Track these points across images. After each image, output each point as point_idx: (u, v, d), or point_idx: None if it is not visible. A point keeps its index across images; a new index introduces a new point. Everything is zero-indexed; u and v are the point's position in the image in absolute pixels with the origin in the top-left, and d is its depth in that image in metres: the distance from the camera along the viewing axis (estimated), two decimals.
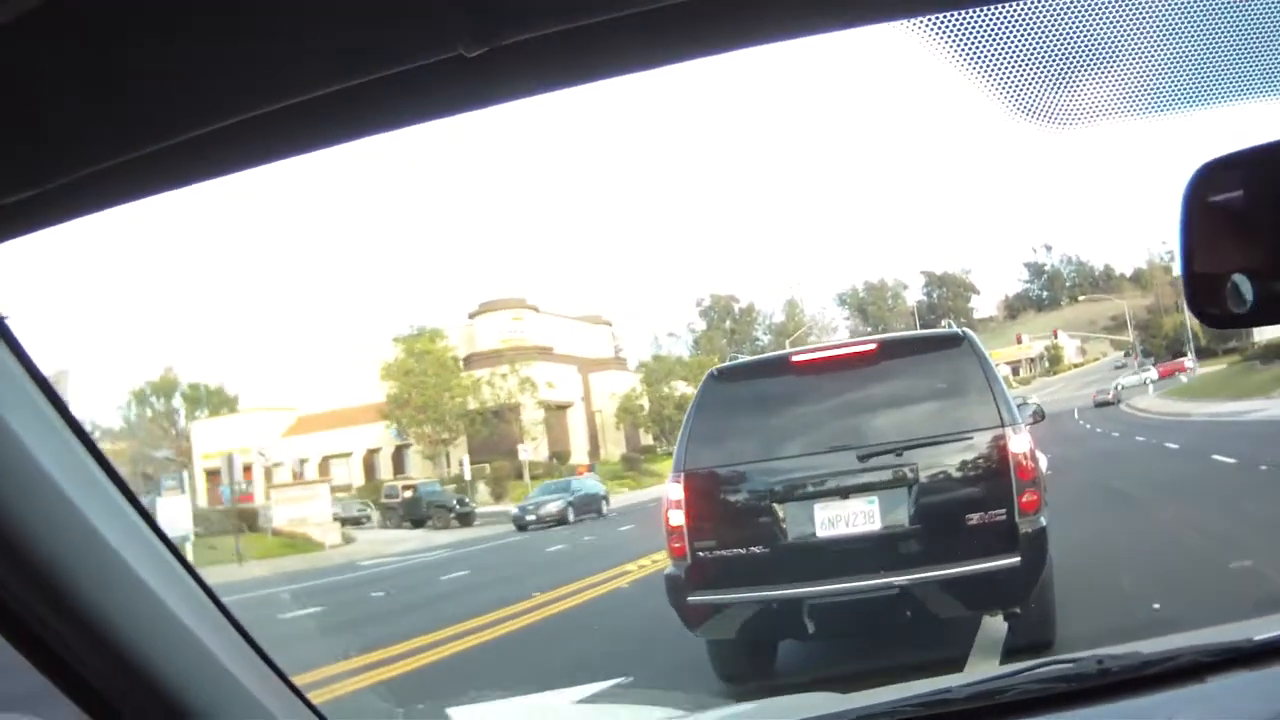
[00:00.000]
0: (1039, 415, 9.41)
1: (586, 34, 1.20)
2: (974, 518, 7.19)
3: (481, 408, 62.27)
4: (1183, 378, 69.29)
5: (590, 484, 47.02)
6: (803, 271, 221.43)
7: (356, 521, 49.60)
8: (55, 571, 1.42)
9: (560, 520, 40.07)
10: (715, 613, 7.59)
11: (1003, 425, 7.31)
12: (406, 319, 63.52)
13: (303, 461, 68.72)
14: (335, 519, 45.14)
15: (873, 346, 8.16)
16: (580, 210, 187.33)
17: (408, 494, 51.32)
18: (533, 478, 58.34)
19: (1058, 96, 1.44)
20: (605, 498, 44.75)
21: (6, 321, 1.43)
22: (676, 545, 7.75)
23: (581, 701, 7.37)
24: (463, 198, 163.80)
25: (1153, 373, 75.55)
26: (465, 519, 48.44)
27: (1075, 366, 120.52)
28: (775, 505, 7.53)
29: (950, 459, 7.42)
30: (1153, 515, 15.28)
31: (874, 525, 7.33)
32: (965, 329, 8.34)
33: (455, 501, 49.92)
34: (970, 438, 7.39)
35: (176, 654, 1.57)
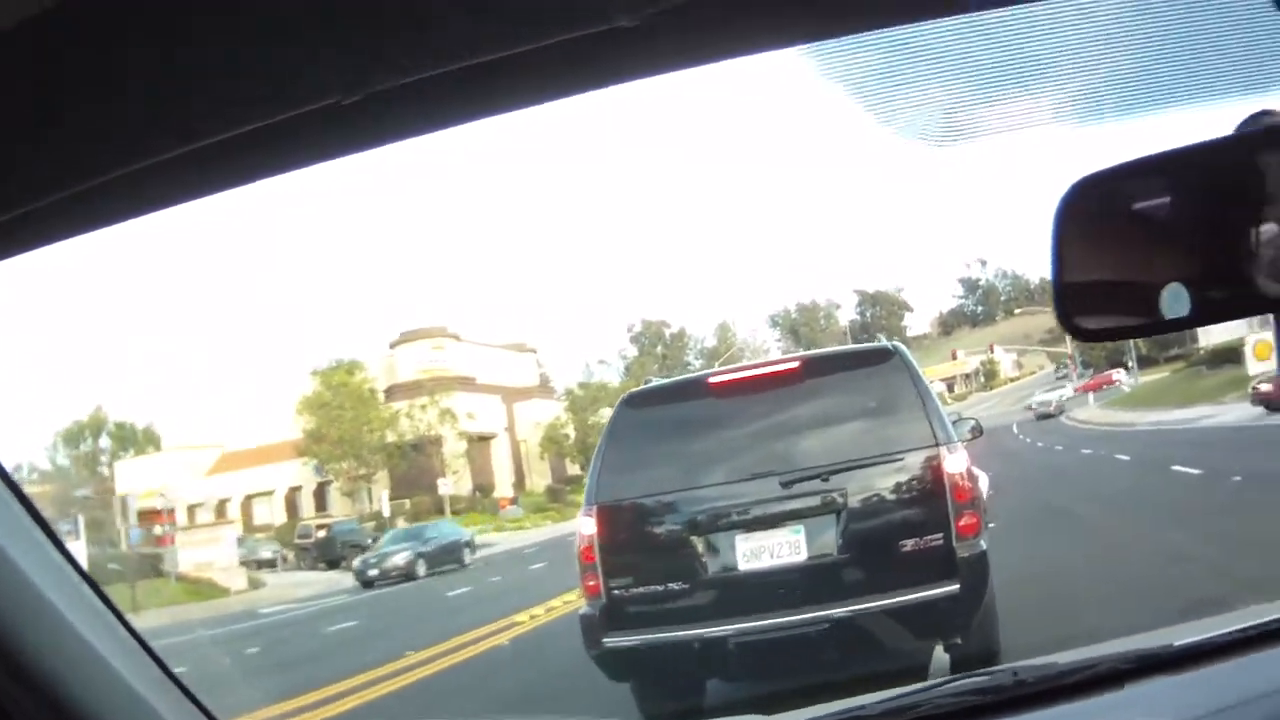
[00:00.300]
0: (977, 431, 9.03)
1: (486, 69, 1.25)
2: (908, 544, 6.86)
3: (400, 441, 61.34)
4: (1123, 387, 69.75)
5: (449, 530, 44.58)
6: (734, 294, 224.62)
7: (271, 564, 48.52)
8: None
9: (408, 575, 36.30)
10: (633, 655, 7.16)
11: (937, 444, 6.97)
12: (331, 352, 62.46)
13: (224, 501, 67.90)
14: (242, 563, 44.09)
15: (796, 364, 7.81)
16: (507, 237, 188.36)
17: (321, 534, 49.94)
18: (454, 512, 57.51)
19: (949, 115, 1.51)
20: (469, 544, 41.89)
21: None
22: (590, 583, 7.36)
23: None
24: (388, 226, 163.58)
25: (1067, 389, 75.78)
26: None
27: (1011, 381, 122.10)
28: (694, 538, 7.17)
29: (881, 482, 7.07)
30: (1112, 539, 13.95)
31: (800, 555, 6.97)
32: (895, 343, 7.96)
33: (370, 540, 48.11)
34: (902, 458, 7.04)
35: (87, 676, 1.58)
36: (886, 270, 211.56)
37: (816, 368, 7.77)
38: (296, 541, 50.92)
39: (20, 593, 1.51)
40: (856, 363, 7.98)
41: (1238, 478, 17.46)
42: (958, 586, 6.69)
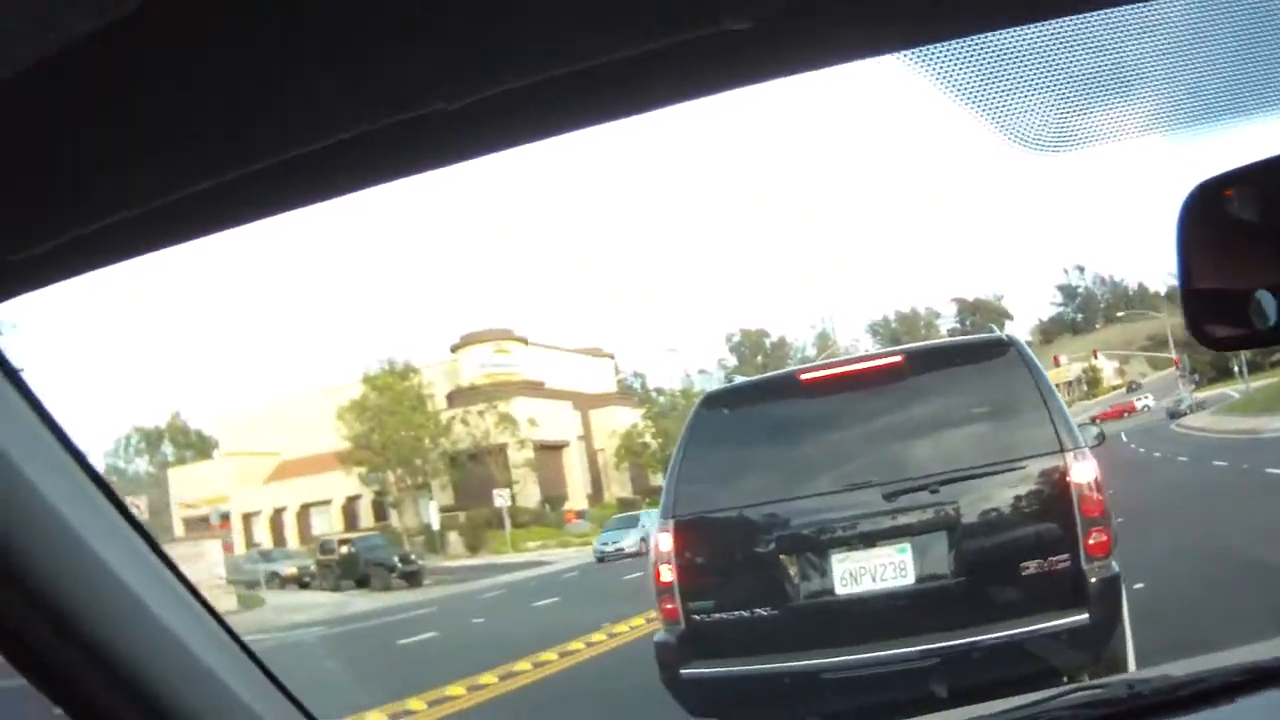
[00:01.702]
0: (1100, 437, 8.42)
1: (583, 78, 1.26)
2: (1030, 566, 6.29)
3: (451, 448, 60.99)
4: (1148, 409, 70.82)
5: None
6: (833, 303, 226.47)
7: (299, 581, 48.10)
8: (80, 616, 1.50)
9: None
10: (715, 688, 6.70)
11: (1062, 450, 6.39)
12: (391, 357, 62.16)
13: (279, 510, 68.59)
14: (253, 580, 44.03)
15: (899, 358, 7.15)
16: (606, 246, 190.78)
17: (344, 550, 48.79)
18: (516, 525, 57.27)
19: (1060, 120, 1.49)
20: (409, 561, 42.02)
21: (22, 374, 1.52)
22: (668, 607, 6.90)
23: None
24: (469, 230, 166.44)
25: (1185, 393, 77.05)
26: (411, 578, 46.24)
27: (1114, 389, 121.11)
28: (784, 556, 6.67)
29: (999, 494, 6.51)
30: None
31: (906, 579, 6.43)
32: (1011, 334, 7.41)
33: (398, 559, 47.60)
34: (1023, 466, 6.48)
35: (182, 673, 1.64)
36: (986, 278, 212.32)
37: (923, 362, 7.14)
38: (319, 558, 49.92)
39: (119, 599, 1.56)
40: (968, 357, 7.37)
41: None
42: (1087, 616, 6.12)
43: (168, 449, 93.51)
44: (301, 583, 48.19)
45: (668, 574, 6.88)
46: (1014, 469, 6.49)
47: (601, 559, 43.65)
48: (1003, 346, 7.01)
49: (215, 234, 1.54)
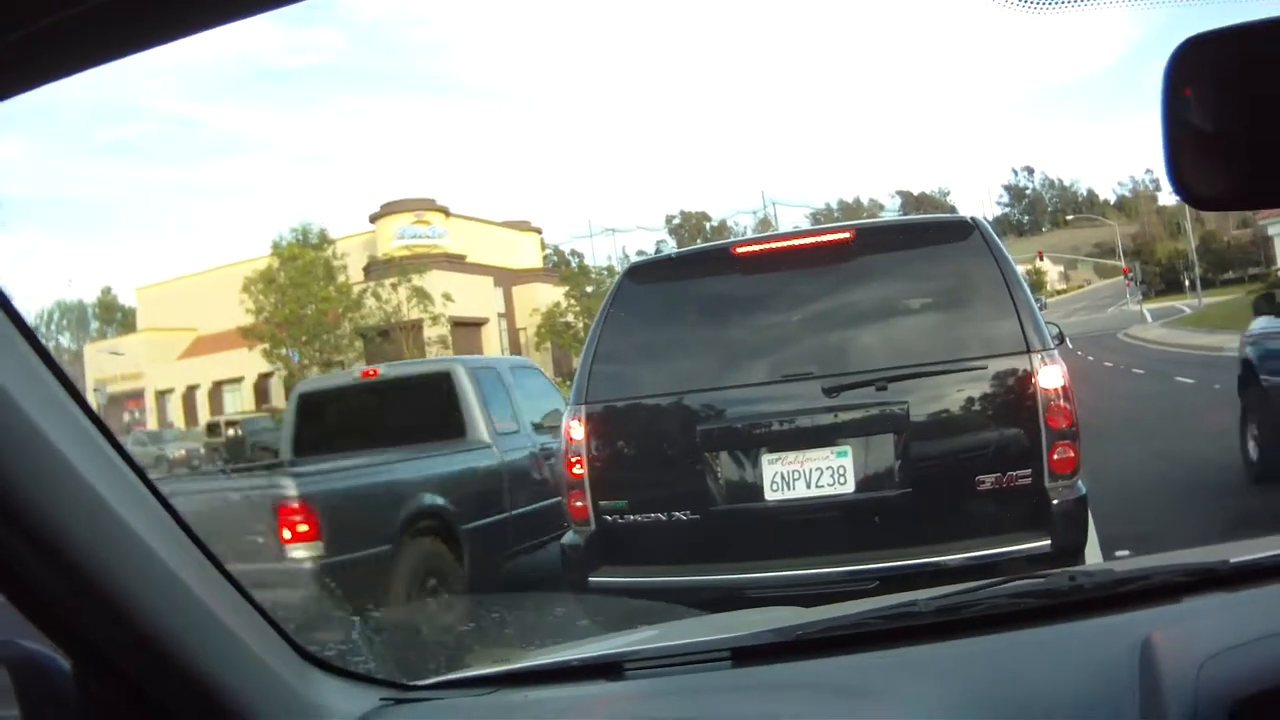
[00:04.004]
0: (1060, 337, 7.84)
1: None
2: (986, 480, 5.77)
3: (360, 324, 59.74)
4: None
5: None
6: (776, 189, 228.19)
7: (170, 465, 46.36)
8: (86, 562, 1.55)
9: None
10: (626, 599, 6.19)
11: (1029, 350, 5.85)
12: (309, 227, 60.15)
13: (192, 388, 67.81)
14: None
15: (847, 234, 6.52)
16: (548, 119, 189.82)
17: (231, 432, 46.74)
18: None
19: None
20: None
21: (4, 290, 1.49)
22: (578, 504, 6.39)
23: None
24: (407, 96, 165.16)
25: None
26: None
27: (1059, 293, 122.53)
28: (708, 454, 6.14)
29: (954, 396, 5.99)
30: None
31: (845, 486, 5.92)
32: (975, 216, 6.83)
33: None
34: (983, 366, 5.94)
35: (180, 610, 1.70)
36: (931, 173, 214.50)
37: (874, 241, 6.56)
38: (207, 440, 48.10)
39: (113, 531, 1.59)
40: (926, 237, 6.69)
41: None
42: (1049, 542, 5.60)
43: (93, 325, 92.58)
44: (190, 466, 46.63)
45: (578, 467, 6.34)
46: (973, 368, 5.95)
47: None
48: (966, 228, 6.36)
49: (175, 38, 1.39)
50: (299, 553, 7.26)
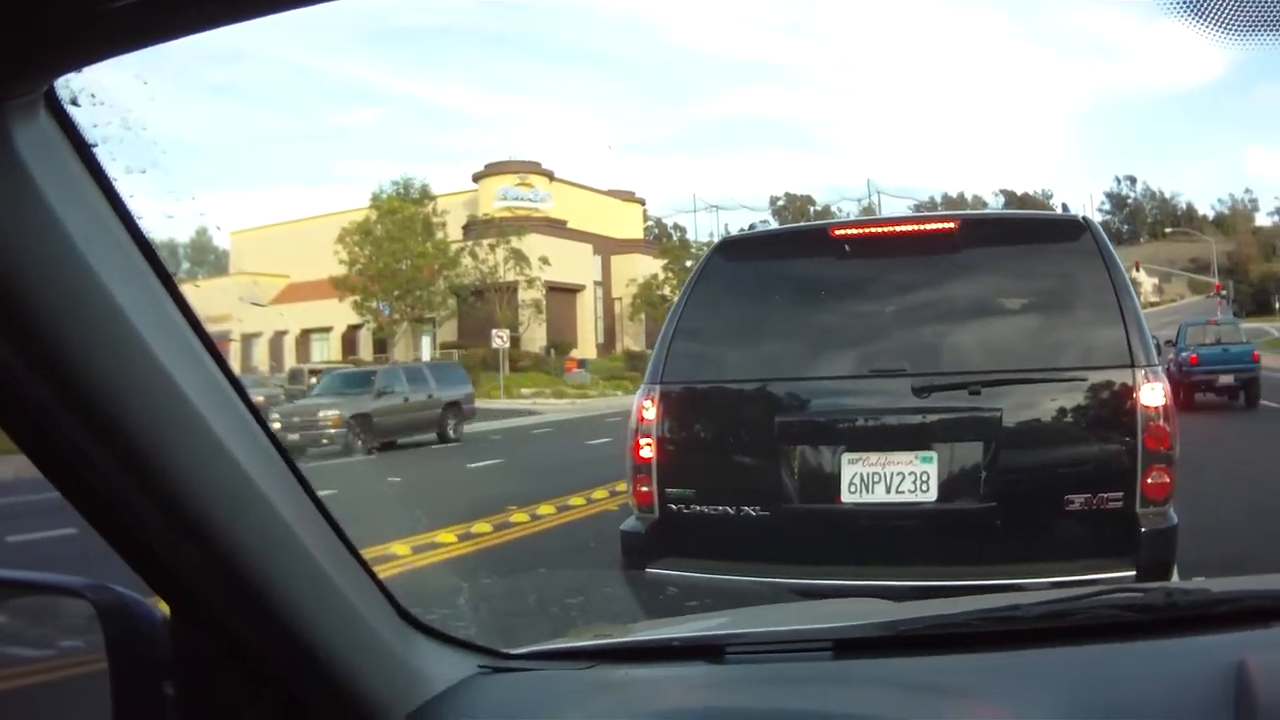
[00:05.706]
0: (1159, 349, 7.45)
1: None
2: (1075, 500, 5.40)
3: (454, 283, 59.85)
4: None
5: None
6: (882, 176, 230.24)
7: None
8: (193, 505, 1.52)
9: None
10: (684, 593, 5.97)
11: (1133, 364, 5.46)
12: (411, 180, 60.34)
13: (280, 334, 68.66)
14: None
15: (951, 224, 6.17)
16: (657, 93, 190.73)
17: (312, 380, 44.47)
18: (515, 369, 56.53)
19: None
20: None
21: (95, 150, 1.40)
22: (643, 490, 6.09)
23: None
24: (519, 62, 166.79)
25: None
26: None
27: (1152, 305, 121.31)
28: (786, 448, 5.82)
29: (1050, 406, 5.64)
30: None
31: (927, 494, 5.59)
32: (1086, 216, 6.49)
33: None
34: (1084, 377, 5.57)
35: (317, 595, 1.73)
36: (1035, 175, 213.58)
37: (980, 233, 6.15)
38: (287, 387, 46.89)
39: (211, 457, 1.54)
40: (1035, 234, 6.35)
41: None
42: (1133, 572, 5.21)
43: (184, 265, 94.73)
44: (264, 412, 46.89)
45: (647, 450, 6.05)
46: (1073, 379, 5.59)
47: None
48: (1077, 228, 5.98)
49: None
50: None
